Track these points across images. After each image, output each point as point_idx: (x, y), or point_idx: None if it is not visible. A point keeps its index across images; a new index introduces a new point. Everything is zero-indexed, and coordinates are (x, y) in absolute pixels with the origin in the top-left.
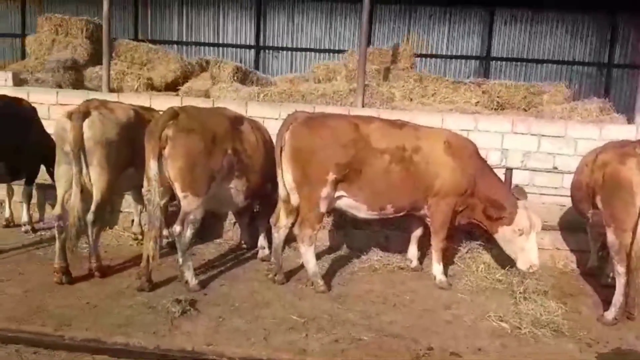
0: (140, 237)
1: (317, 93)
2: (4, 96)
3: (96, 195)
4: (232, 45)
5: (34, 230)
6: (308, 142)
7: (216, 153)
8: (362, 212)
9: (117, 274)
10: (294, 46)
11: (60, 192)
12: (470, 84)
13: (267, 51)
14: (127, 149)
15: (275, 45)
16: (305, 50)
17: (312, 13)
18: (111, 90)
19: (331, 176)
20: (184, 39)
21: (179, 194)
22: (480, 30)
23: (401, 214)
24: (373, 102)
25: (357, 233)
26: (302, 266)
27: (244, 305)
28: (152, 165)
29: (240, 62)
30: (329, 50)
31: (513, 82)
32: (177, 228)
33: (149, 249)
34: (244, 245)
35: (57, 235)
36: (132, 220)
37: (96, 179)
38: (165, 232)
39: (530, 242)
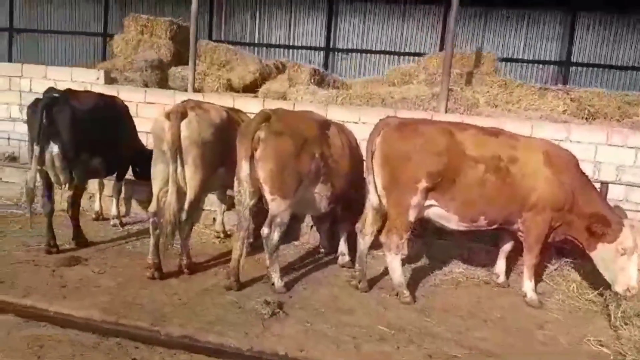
0: (222, 235)
1: (398, 97)
2: (102, 94)
3: (189, 194)
4: (303, 47)
5: (122, 225)
6: (400, 148)
7: (305, 157)
8: (453, 223)
9: (203, 271)
10: (364, 48)
11: (155, 189)
12: (558, 90)
13: (336, 53)
14: (220, 149)
15: (345, 48)
16: (376, 52)
17: (383, 15)
18: (196, 90)
19: (423, 184)
20: (256, 41)
21: (268, 196)
22: (560, 33)
23: (493, 227)
24: (456, 108)
25: (438, 243)
26: (383, 274)
27: (328, 310)
28: (243, 166)
29: (310, 63)
30: (399, 53)
31: (605, 90)
32: (265, 230)
33: (238, 249)
34: (322, 250)
35: (151, 232)
36: (214, 219)
37: (190, 177)
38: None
39: (631, 263)
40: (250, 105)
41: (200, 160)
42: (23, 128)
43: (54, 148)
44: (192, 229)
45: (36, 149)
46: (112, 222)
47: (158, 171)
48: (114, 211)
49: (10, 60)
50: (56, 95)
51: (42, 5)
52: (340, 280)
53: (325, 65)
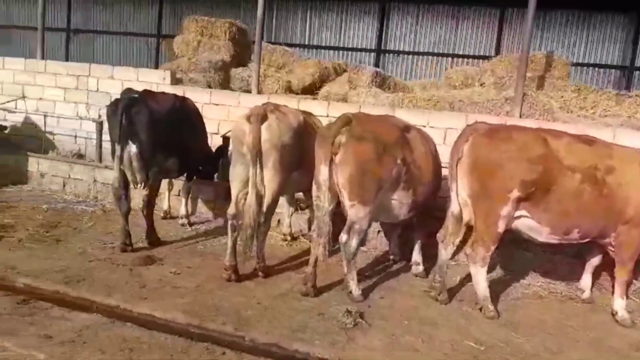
0: (289, 238)
1: (466, 101)
2: (176, 95)
3: (267, 197)
4: (354, 49)
5: (190, 224)
6: (491, 155)
7: (386, 162)
8: (543, 235)
9: (275, 275)
10: (416, 50)
11: (234, 191)
12: (636, 97)
13: (387, 55)
14: (297, 153)
15: (396, 49)
16: (427, 54)
17: (435, 17)
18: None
19: (515, 194)
20: (306, 42)
21: (347, 202)
22: (624, 37)
23: (585, 240)
24: (531, 113)
25: (517, 254)
26: (460, 285)
27: (411, 322)
28: (323, 171)
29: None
30: (452, 55)
31: None
32: (343, 237)
33: (319, 255)
34: (392, 257)
35: (229, 234)
36: (279, 221)
37: (269, 180)
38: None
39: None
40: (314, 108)
41: (279, 164)
42: (89, 126)
43: (132, 148)
44: (268, 232)
45: (117, 149)
46: (180, 222)
47: (237, 173)
48: (182, 211)
49: (67, 59)
50: (135, 96)
51: (97, 6)
52: (417, 290)
53: (376, 67)
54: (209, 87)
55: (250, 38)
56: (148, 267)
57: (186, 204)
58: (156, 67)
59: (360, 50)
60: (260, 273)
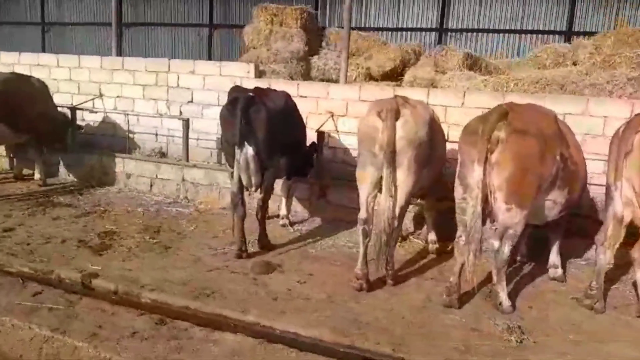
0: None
1: (585, 82)
2: (279, 91)
3: (400, 199)
4: (413, 29)
5: (291, 224)
6: None
7: (548, 159)
8: None
9: (403, 282)
10: (481, 27)
11: (363, 194)
12: None
13: (450, 34)
14: (429, 149)
15: (460, 28)
16: (494, 32)
17: None
18: (332, 81)
19: None
20: (362, 24)
21: (501, 205)
22: None
23: None
24: None
25: None
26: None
27: (582, 338)
28: (477, 171)
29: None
30: (520, 31)
31: None
32: (495, 243)
33: (467, 264)
34: (519, 258)
35: (360, 240)
36: None
37: (403, 181)
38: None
39: None
40: (413, 96)
41: (414, 162)
42: (170, 124)
43: (249, 150)
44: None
45: (237, 152)
46: (281, 222)
47: (367, 174)
48: (283, 211)
49: (119, 54)
50: (251, 94)
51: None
52: (563, 298)
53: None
54: (291, 78)
55: (320, 24)
56: (270, 276)
57: (287, 204)
58: (209, 58)
59: (421, 30)
60: (389, 281)
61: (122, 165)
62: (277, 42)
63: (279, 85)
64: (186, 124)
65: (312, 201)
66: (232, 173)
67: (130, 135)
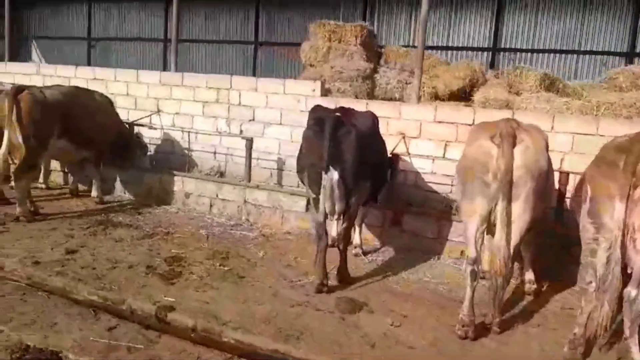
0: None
1: None
2: (362, 111)
3: (515, 236)
4: (464, 48)
5: (364, 254)
6: None
7: None
8: None
9: (507, 330)
10: (536, 47)
11: (471, 229)
12: None
13: (503, 53)
14: (547, 180)
15: (514, 47)
16: (549, 52)
17: (558, 9)
18: (395, 99)
19: None
20: (410, 43)
21: None
22: None
23: None
24: None
25: None
26: None
27: None
28: (617, 208)
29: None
30: (578, 52)
31: None
32: (632, 292)
33: (602, 316)
34: None
35: (468, 282)
36: (462, 252)
37: (520, 216)
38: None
39: None
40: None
41: (532, 195)
42: (229, 142)
43: (334, 174)
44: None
45: (325, 177)
46: (354, 251)
47: (477, 207)
48: (356, 239)
49: (164, 69)
50: (338, 115)
51: (193, 16)
52: None
53: (492, 67)
54: (356, 97)
55: (377, 41)
56: (358, 315)
57: (360, 232)
58: (253, 74)
59: (472, 49)
60: (495, 328)
61: (182, 184)
62: (335, 60)
63: (347, 104)
64: (249, 143)
65: (384, 229)
66: (315, 199)
67: (188, 153)
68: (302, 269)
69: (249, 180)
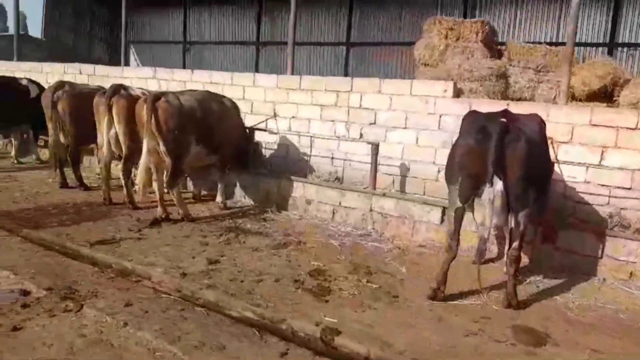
0: None
1: None
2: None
3: None
4: (580, 44)
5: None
6: None
7: None
8: None
9: None
10: None
11: None
12: None
13: (621, 49)
14: None
15: (634, 42)
16: None
17: None
18: (518, 99)
19: None
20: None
21: None
22: None
23: None
24: None
25: None
26: None
27: None
28: None
29: (583, 61)
30: None
31: None
32: None
33: None
34: None
35: None
36: (631, 273)
37: None
38: None
39: None
40: None
41: None
42: (348, 146)
43: (498, 185)
44: None
45: (487, 188)
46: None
47: None
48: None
49: (256, 71)
50: (503, 120)
51: (285, 18)
52: None
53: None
54: (488, 97)
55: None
56: (544, 348)
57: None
58: (345, 75)
59: (585, 44)
60: None
61: (302, 190)
62: (454, 58)
63: (482, 105)
64: (375, 148)
65: (535, 245)
66: (458, 209)
67: (305, 158)
68: (451, 288)
69: (374, 188)
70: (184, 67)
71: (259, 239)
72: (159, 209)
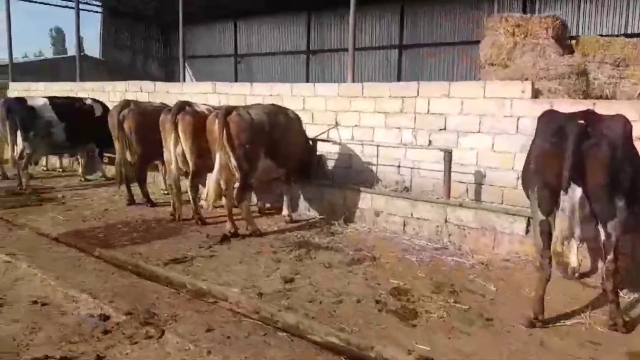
0: None
1: None
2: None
3: None
4: None
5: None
6: None
7: None
8: None
9: None
10: None
11: None
12: None
13: None
14: None
15: None
16: None
17: None
18: (598, 97)
19: None
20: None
21: None
22: None
23: None
24: None
25: None
26: None
27: None
28: None
29: None
30: None
31: None
32: None
33: None
34: None
35: None
36: None
37: None
38: None
39: None
40: None
41: None
42: (415, 154)
43: (577, 192)
44: None
45: (564, 196)
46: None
47: None
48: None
49: (307, 80)
50: (581, 122)
51: (334, 26)
52: None
53: None
54: (569, 96)
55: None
56: None
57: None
58: (398, 79)
59: None
60: None
61: (370, 201)
62: (523, 56)
63: (564, 105)
64: (449, 155)
65: (635, 258)
66: (542, 222)
67: (369, 168)
68: (548, 307)
69: (449, 197)
70: (235, 79)
71: (331, 254)
72: (228, 225)
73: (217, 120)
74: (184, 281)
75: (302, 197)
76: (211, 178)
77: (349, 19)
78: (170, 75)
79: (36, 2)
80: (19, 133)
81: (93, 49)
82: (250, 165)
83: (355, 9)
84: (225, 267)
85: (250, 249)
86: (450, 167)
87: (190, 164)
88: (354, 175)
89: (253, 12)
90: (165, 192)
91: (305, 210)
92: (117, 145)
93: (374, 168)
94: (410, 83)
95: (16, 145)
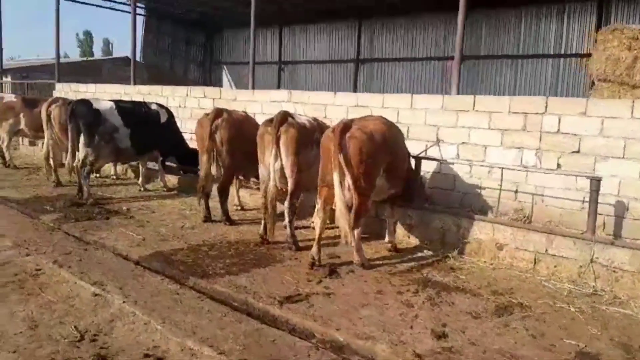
0: None
1: None
2: None
3: None
4: None
5: None
6: None
7: None
8: None
9: None
10: None
11: None
12: None
13: None
14: None
15: None
16: None
17: None
18: None
19: None
20: None
21: None
22: None
23: None
24: None
25: None
26: None
27: None
28: None
29: None
30: None
31: None
32: None
33: None
34: None
35: None
36: None
37: None
38: None
39: None
40: None
41: None
42: (538, 179)
43: None
44: None
45: None
46: None
47: None
48: None
49: (354, 90)
50: None
51: (383, 34)
52: None
53: None
54: None
55: None
56: None
57: None
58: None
59: None
60: None
61: (492, 232)
62: None
63: None
64: (596, 184)
65: None
66: None
67: (477, 191)
68: None
69: (594, 232)
70: (278, 87)
71: (466, 298)
72: (314, 249)
73: (334, 136)
74: (311, 328)
75: (399, 222)
76: (337, 201)
77: (395, 28)
78: (211, 80)
79: (86, 4)
80: (81, 138)
81: (125, 52)
82: (368, 185)
83: (405, 18)
84: (351, 310)
85: (367, 286)
86: (597, 198)
87: (290, 182)
88: (457, 199)
89: (299, 20)
90: (238, 207)
91: (405, 237)
92: (204, 158)
93: (482, 192)
94: (535, 97)
95: (77, 151)
